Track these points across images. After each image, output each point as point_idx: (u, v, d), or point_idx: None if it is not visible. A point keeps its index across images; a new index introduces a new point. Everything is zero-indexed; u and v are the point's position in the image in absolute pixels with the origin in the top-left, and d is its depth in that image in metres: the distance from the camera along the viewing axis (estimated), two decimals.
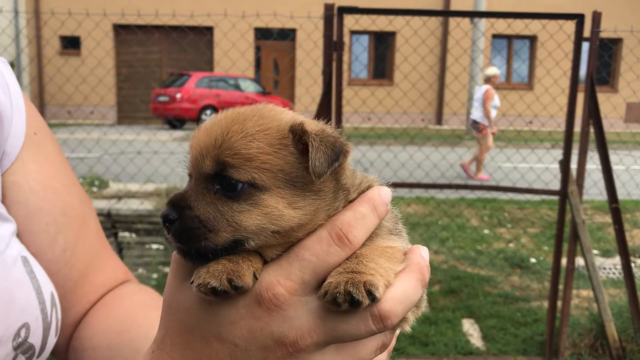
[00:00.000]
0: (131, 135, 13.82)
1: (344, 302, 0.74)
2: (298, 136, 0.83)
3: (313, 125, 0.86)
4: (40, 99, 26.91)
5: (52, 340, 1.08)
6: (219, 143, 0.83)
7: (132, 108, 29.05)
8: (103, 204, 6.44)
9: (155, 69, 29.37)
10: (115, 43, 28.17)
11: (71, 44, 27.12)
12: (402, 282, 0.81)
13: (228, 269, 0.78)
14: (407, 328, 0.93)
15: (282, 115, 0.87)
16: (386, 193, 0.86)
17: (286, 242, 0.83)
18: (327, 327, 0.77)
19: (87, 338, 1.18)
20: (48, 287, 1.08)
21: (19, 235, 1.10)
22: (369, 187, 0.88)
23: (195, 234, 0.80)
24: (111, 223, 6.31)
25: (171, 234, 0.81)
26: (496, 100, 12.36)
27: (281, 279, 0.78)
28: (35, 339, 1.03)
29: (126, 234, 6.20)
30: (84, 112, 21.79)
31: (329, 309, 0.77)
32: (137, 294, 1.28)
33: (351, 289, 0.74)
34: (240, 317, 0.78)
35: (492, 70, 12.79)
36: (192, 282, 0.79)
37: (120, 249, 6.31)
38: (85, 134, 10.21)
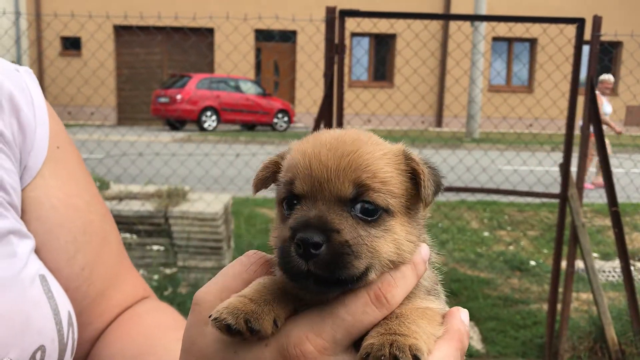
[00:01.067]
0: (133, 136, 13.85)
1: None
2: (407, 163, 0.82)
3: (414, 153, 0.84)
4: None
5: None
6: (356, 164, 0.77)
7: (132, 109, 29.08)
8: None
9: (156, 70, 29.40)
10: (116, 44, 28.19)
11: (72, 45, 27.13)
12: (442, 350, 0.76)
13: (248, 309, 0.74)
14: None
15: (384, 141, 0.85)
16: (425, 251, 0.83)
17: None
18: None
19: (103, 358, 1.16)
20: (65, 307, 1.06)
21: (37, 251, 1.08)
22: None
23: (345, 260, 0.73)
24: None
25: (315, 260, 0.72)
26: (605, 106, 11.85)
27: (311, 336, 0.74)
28: None
29: (127, 235, 6.22)
30: (85, 113, 21.82)
31: None
32: (155, 313, 1.26)
33: (397, 353, 0.69)
34: None
35: (603, 76, 12.28)
36: (209, 316, 0.76)
37: None
38: (86, 135, 10.22)
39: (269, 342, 0.76)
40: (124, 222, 6.31)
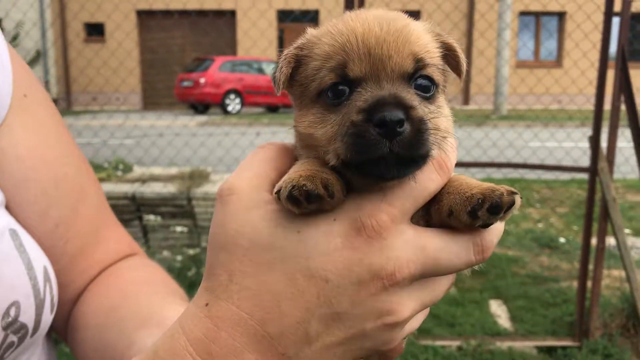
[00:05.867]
0: (167, 120, 13.83)
1: (507, 203, 0.71)
2: (437, 38, 0.82)
3: None
4: (66, 86, 27.26)
5: (47, 318, 1.02)
6: (412, 39, 0.75)
7: (157, 94, 29.29)
8: (127, 187, 6.48)
9: (180, 54, 29.49)
10: (139, 29, 28.33)
11: (96, 30, 27.36)
12: None
13: (321, 177, 0.70)
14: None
15: None
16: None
17: None
18: (428, 257, 0.72)
19: (80, 316, 1.11)
20: (40, 262, 1.01)
21: (7, 207, 1.02)
22: None
23: (425, 137, 0.71)
24: (136, 206, 6.35)
25: (400, 138, 0.69)
26: None
27: (384, 206, 0.72)
28: (27, 318, 0.96)
29: (151, 216, 6.24)
30: (110, 99, 22.02)
31: (481, 222, 0.72)
32: (137, 270, 1.20)
33: (510, 188, 0.72)
34: (335, 248, 0.70)
35: None
36: (277, 192, 0.70)
37: (145, 232, 6.34)
38: (114, 119, 10.26)
39: (337, 216, 0.72)
40: (147, 204, 6.33)
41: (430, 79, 0.77)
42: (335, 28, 0.78)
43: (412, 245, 0.72)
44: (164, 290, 1.13)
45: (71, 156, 1.15)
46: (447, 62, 0.84)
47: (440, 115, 0.78)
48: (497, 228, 0.77)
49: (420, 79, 0.76)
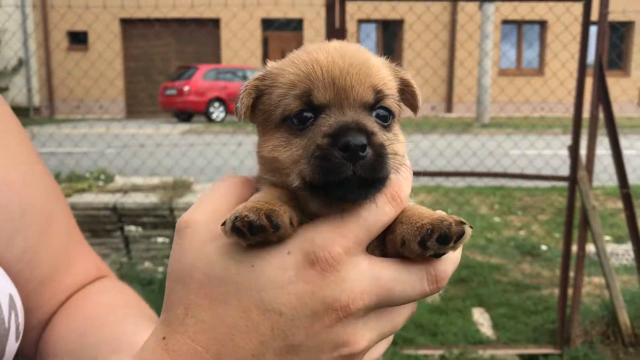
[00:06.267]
0: (150, 129, 13.77)
1: (455, 233, 0.72)
2: (394, 72, 0.87)
3: None
4: (49, 94, 27.02)
5: (12, 346, 1.00)
6: (372, 72, 0.80)
7: (141, 102, 29.13)
8: (108, 198, 6.43)
9: (164, 62, 29.38)
10: (123, 38, 28.20)
11: (79, 39, 27.18)
12: None
13: (265, 208, 0.71)
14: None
15: None
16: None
17: None
18: (381, 288, 0.73)
19: (50, 342, 1.10)
20: (5, 290, 0.98)
21: None
22: None
23: (385, 161, 0.75)
24: (117, 217, 6.30)
25: (362, 162, 0.73)
26: None
27: (337, 238, 0.72)
28: None
29: (132, 227, 6.19)
30: (93, 108, 21.85)
31: (430, 252, 0.73)
32: (107, 292, 1.19)
33: (459, 219, 0.73)
34: (289, 281, 0.70)
35: None
36: (222, 224, 0.71)
37: (126, 242, 6.29)
38: (96, 128, 10.18)
39: (291, 249, 0.73)
40: (129, 215, 6.28)
41: (388, 109, 0.82)
42: (299, 59, 0.81)
43: (366, 277, 0.73)
44: (135, 314, 1.13)
45: (38, 179, 1.13)
46: (404, 96, 0.89)
47: (397, 141, 0.82)
48: (451, 258, 0.78)
49: (379, 109, 0.81)
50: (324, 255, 0.71)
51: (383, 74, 0.82)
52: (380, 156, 0.74)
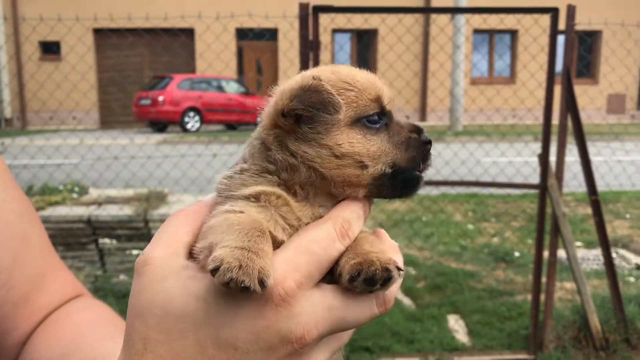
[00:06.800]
0: (124, 140, 13.66)
1: (381, 279, 0.76)
2: None
3: None
4: (21, 106, 26.63)
5: None
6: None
7: (115, 112, 28.84)
8: (82, 211, 6.36)
9: (138, 72, 29.16)
10: (96, 47, 27.93)
11: (51, 49, 26.85)
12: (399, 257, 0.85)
13: (258, 266, 0.71)
14: None
15: None
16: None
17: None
18: (334, 317, 0.76)
19: None
20: None
21: None
22: None
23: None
24: (92, 230, 6.24)
25: (430, 157, 0.90)
26: None
27: (290, 273, 0.75)
28: None
29: (107, 240, 6.13)
30: (66, 117, 21.58)
31: (358, 289, 0.77)
32: (84, 311, 1.20)
33: (388, 265, 0.77)
34: (245, 317, 0.72)
35: None
36: (209, 267, 0.70)
37: (101, 255, 6.23)
38: (69, 140, 10.06)
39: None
40: (103, 228, 6.23)
41: None
42: (347, 74, 0.91)
43: (319, 308, 0.75)
44: (114, 332, 1.13)
45: (11, 201, 1.13)
46: None
47: None
48: (397, 282, 0.80)
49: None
50: (278, 292, 0.73)
51: None
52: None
